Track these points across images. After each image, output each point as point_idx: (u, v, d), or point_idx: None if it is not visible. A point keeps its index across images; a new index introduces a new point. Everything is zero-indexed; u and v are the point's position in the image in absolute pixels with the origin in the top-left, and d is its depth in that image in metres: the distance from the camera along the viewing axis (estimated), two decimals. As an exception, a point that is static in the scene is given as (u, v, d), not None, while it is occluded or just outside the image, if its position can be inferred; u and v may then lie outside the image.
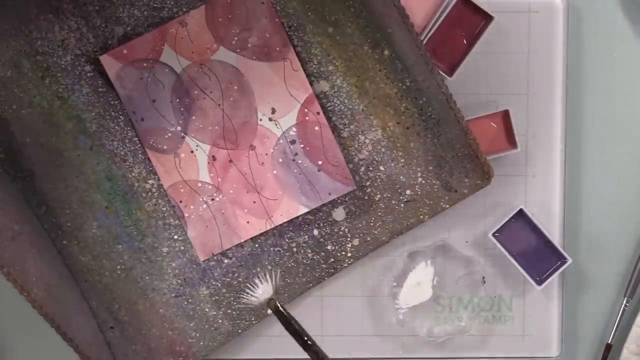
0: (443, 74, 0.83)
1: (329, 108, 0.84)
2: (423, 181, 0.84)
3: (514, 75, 0.87)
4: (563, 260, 0.86)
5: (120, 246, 0.85)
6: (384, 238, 0.85)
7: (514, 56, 0.87)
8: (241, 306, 0.85)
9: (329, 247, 0.86)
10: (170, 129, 0.84)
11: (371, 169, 0.85)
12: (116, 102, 0.84)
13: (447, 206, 0.84)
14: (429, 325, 0.87)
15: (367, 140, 0.84)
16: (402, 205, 0.85)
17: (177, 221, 0.85)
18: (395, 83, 0.83)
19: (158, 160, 0.84)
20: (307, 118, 0.84)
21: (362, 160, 0.85)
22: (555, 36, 0.86)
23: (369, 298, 0.88)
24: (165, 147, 0.84)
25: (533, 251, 0.86)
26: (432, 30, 0.84)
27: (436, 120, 0.83)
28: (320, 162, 0.84)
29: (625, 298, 0.89)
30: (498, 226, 0.86)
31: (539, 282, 0.85)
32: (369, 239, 0.85)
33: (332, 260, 0.86)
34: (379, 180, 0.85)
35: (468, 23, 0.84)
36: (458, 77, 0.84)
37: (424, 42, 0.83)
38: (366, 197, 0.85)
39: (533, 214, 0.86)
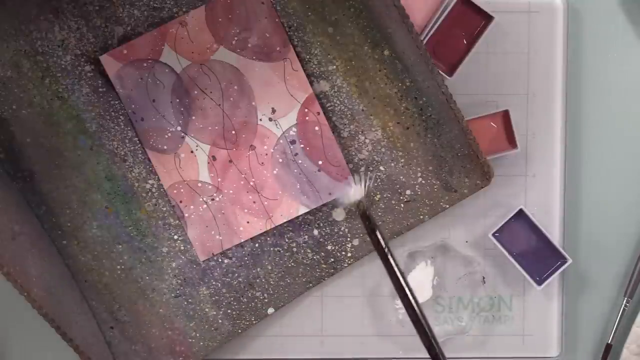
0: (443, 74, 0.83)
1: (329, 108, 0.84)
2: (423, 181, 0.84)
3: (514, 75, 0.87)
4: (563, 260, 0.86)
5: (120, 246, 0.85)
6: (384, 238, 0.85)
7: (514, 56, 0.87)
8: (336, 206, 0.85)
9: (329, 247, 0.86)
10: (170, 129, 0.84)
11: (371, 169, 0.85)
12: (116, 102, 0.84)
13: (447, 206, 0.84)
14: None
15: (367, 140, 0.84)
16: (402, 205, 0.85)
17: (177, 221, 0.85)
18: (395, 83, 0.83)
19: (158, 160, 0.84)
20: (307, 118, 0.84)
21: (362, 160, 0.85)
22: (555, 36, 0.87)
23: (369, 298, 0.88)
24: (165, 147, 0.84)
25: (533, 251, 0.86)
26: (432, 30, 0.84)
27: (436, 120, 0.83)
28: (320, 162, 0.84)
29: (625, 298, 0.89)
30: (498, 226, 0.86)
31: (539, 282, 0.85)
32: (368, 239, 0.85)
33: (332, 260, 0.86)
34: (379, 180, 0.85)
35: (468, 23, 0.84)
36: (458, 77, 0.84)
37: (424, 42, 0.83)
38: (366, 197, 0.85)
39: (533, 214, 0.86)
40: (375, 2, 0.79)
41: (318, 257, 0.86)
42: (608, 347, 0.89)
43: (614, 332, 0.89)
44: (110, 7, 0.82)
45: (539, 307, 0.89)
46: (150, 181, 0.85)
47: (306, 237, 0.86)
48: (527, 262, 0.86)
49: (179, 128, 0.84)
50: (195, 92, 0.84)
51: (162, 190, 0.85)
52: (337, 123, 0.84)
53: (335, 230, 0.85)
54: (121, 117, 0.84)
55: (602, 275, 0.90)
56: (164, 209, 0.85)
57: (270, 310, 0.86)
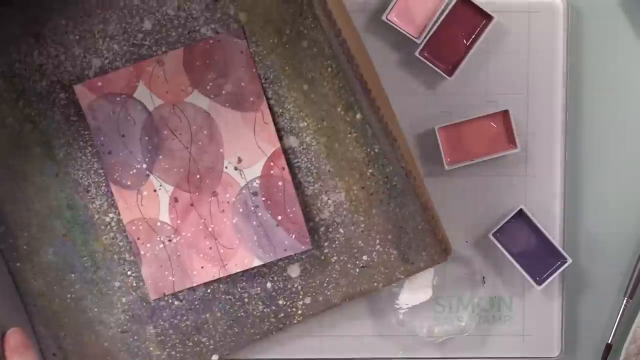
0: (443, 73, 0.84)
1: (295, 164, 0.84)
2: (381, 249, 0.84)
3: (514, 75, 0.87)
4: (563, 260, 0.85)
5: (73, 275, 0.85)
6: (335, 300, 0.85)
7: (514, 56, 0.87)
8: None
9: (280, 302, 0.85)
10: (136, 166, 0.84)
11: (331, 230, 0.84)
12: (86, 132, 0.84)
13: (402, 277, 0.84)
14: (429, 325, 0.87)
15: (329, 201, 0.84)
16: (357, 270, 0.84)
17: (133, 257, 0.85)
18: (364, 148, 0.82)
19: (120, 195, 0.84)
20: (271, 172, 0.83)
21: (323, 221, 0.84)
22: (555, 36, 0.86)
23: (369, 298, 0.88)
24: (129, 183, 0.84)
25: (533, 251, 0.86)
26: (432, 30, 0.84)
27: (400, 190, 0.82)
28: (279, 217, 0.84)
29: (625, 298, 0.88)
30: (498, 226, 0.86)
31: (539, 282, 0.85)
32: (320, 299, 0.85)
33: (282, 315, 0.85)
34: (337, 242, 0.84)
35: (468, 23, 0.84)
36: (458, 77, 0.85)
37: (424, 42, 0.84)
38: (322, 257, 0.84)
39: (533, 214, 0.86)
40: (348, 69, 0.78)
41: (268, 310, 0.85)
42: (608, 347, 0.89)
43: (614, 332, 0.89)
44: (91, 38, 0.82)
45: (539, 307, 0.88)
46: (110, 214, 0.85)
47: (259, 289, 0.85)
48: (527, 262, 0.86)
49: (144, 166, 0.84)
50: (165, 132, 0.84)
51: (121, 225, 0.85)
52: (302, 180, 0.84)
53: (289, 286, 0.85)
54: (89, 147, 0.84)
55: (602, 275, 0.90)
56: (121, 243, 0.85)
57: (215, 357, 0.86)
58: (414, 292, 0.86)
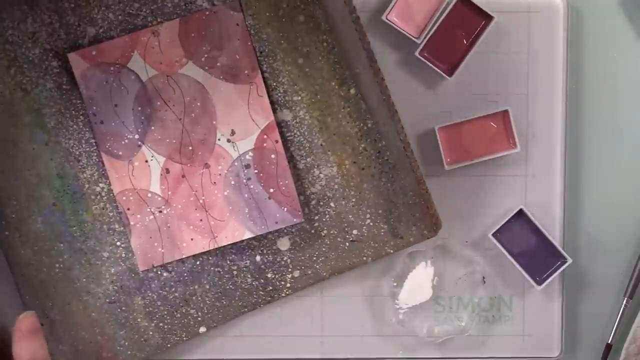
0: (443, 73, 0.84)
1: (288, 138, 0.84)
2: (371, 223, 0.84)
3: (514, 75, 0.87)
4: (563, 260, 0.86)
5: (61, 245, 0.85)
6: (324, 274, 0.85)
7: (514, 56, 0.87)
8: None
9: (269, 275, 0.86)
10: (128, 136, 0.84)
11: (322, 204, 0.85)
12: (78, 101, 0.83)
13: (391, 251, 0.85)
14: (429, 325, 0.88)
15: (321, 175, 0.84)
16: (347, 244, 0.85)
17: (122, 228, 0.85)
18: (357, 123, 0.83)
19: (112, 165, 0.84)
20: (264, 145, 0.84)
21: (314, 194, 0.85)
22: (555, 36, 0.87)
23: (369, 298, 0.89)
24: (120, 153, 0.84)
25: (533, 251, 0.87)
26: (432, 30, 0.84)
27: (392, 165, 0.83)
28: (271, 190, 0.84)
29: (625, 298, 0.89)
30: (498, 226, 0.86)
31: (539, 282, 0.86)
32: (309, 272, 0.85)
33: (271, 288, 0.86)
34: (327, 216, 0.85)
35: (468, 23, 0.85)
36: (458, 77, 0.85)
37: (423, 43, 0.84)
38: (313, 231, 0.85)
39: (533, 214, 0.87)
40: (348, 42, 0.79)
41: (257, 283, 0.86)
42: (608, 347, 0.89)
43: (614, 332, 0.89)
44: (86, 6, 0.82)
45: (539, 307, 0.89)
46: (101, 184, 0.84)
47: (248, 261, 0.85)
48: (527, 262, 0.86)
49: (137, 136, 0.84)
50: (158, 102, 0.84)
51: (111, 195, 0.84)
52: (294, 154, 0.84)
53: (278, 259, 0.85)
54: (81, 117, 0.84)
55: (602, 275, 0.91)
56: (111, 214, 0.85)
57: (202, 329, 0.86)
58: (414, 292, 0.87)
